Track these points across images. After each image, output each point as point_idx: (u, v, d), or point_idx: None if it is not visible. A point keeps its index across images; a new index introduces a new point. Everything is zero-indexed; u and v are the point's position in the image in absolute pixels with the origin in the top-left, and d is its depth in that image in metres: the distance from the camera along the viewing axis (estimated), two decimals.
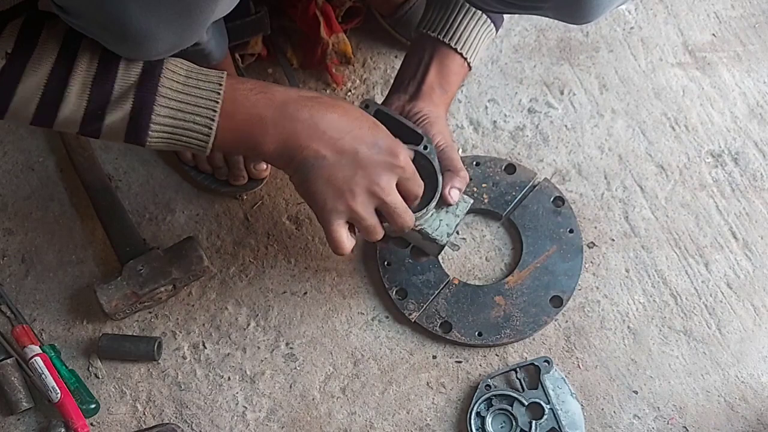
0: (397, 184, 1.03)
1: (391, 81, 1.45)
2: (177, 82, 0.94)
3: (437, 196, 1.10)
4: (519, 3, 1.03)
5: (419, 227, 1.12)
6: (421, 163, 1.09)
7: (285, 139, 0.98)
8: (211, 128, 0.96)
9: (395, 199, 1.03)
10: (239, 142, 0.99)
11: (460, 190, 1.13)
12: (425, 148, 1.09)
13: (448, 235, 1.13)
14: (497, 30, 1.20)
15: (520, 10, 1.08)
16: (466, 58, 1.18)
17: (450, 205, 1.13)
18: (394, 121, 1.10)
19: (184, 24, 0.88)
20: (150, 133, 0.94)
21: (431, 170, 1.10)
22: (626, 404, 1.24)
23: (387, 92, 1.21)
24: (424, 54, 1.18)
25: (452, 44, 1.16)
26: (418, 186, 1.06)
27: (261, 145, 0.98)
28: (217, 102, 0.95)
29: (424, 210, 1.10)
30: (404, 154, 1.03)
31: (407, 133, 1.10)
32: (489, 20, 1.18)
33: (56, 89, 0.91)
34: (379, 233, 1.06)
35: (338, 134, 0.99)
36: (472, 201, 1.16)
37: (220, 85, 0.95)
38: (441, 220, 1.14)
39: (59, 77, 0.90)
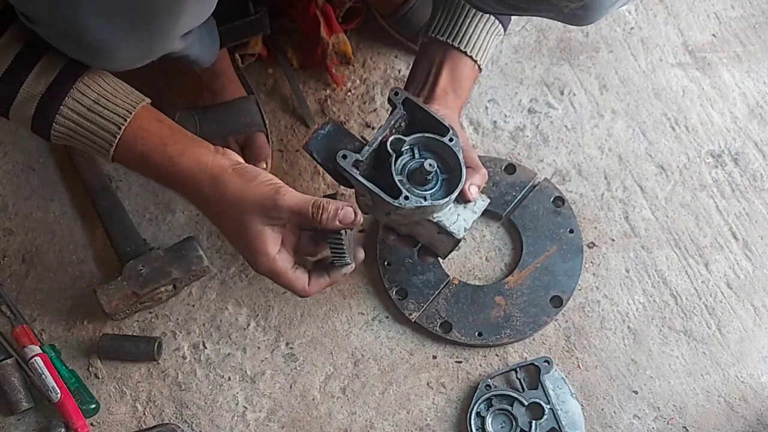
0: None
1: (392, 81, 1.46)
2: (82, 105, 0.95)
3: (459, 187, 1.09)
4: (521, 5, 1.03)
5: (437, 219, 1.11)
6: (444, 155, 1.09)
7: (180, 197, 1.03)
8: (107, 153, 0.97)
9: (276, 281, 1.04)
10: (145, 166, 1.00)
11: (479, 187, 1.13)
12: (451, 140, 1.09)
13: (465, 230, 1.12)
14: (505, 30, 1.20)
15: (522, 12, 1.08)
16: (476, 61, 1.18)
17: (468, 201, 1.13)
18: (421, 111, 1.11)
19: (143, 36, 0.88)
20: (52, 138, 0.97)
21: (455, 162, 1.09)
22: (626, 404, 1.24)
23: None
24: (435, 59, 1.18)
25: (462, 48, 1.16)
26: (285, 285, 1.04)
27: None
28: (111, 145, 0.96)
29: (446, 199, 1.08)
30: (260, 268, 1.01)
31: (433, 123, 1.10)
32: (497, 21, 1.18)
33: None
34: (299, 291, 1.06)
35: (215, 222, 1.03)
36: (489, 200, 1.16)
37: (119, 128, 0.96)
38: (459, 215, 1.13)
39: None
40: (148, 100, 0.99)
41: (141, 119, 0.97)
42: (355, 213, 1.01)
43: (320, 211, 0.98)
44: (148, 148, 0.97)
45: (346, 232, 1.03)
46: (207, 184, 0.98)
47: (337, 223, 1.00)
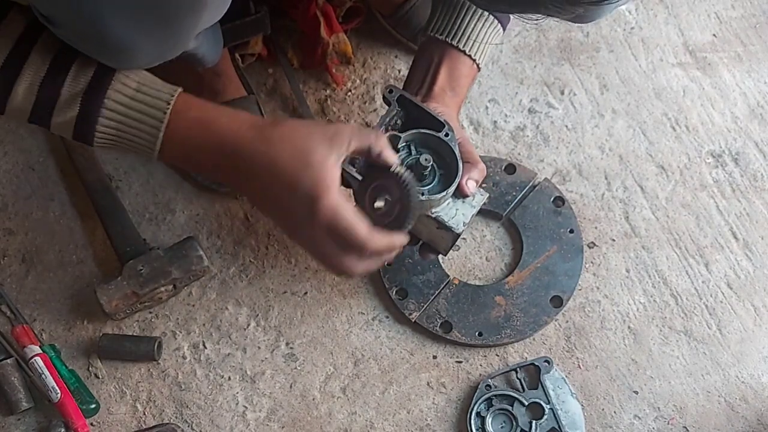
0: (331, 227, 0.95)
1: (392, 81, 1.46)
2: (125, 94, 0.94)
3: (456, 182, 1.09)
4: (521, 3, 1.03)
5: (435, 214, 1.11)
6: (441, 151, 1.09)
7: (224, 175, 0.98)
8: (153, 145, 0.95)
9: (327, 251, 0.97)
10: (184, 164, 1.00)
11: (477, 181, 1.13)
12: (446, 135, 1.09)
13: (464, 224, 1.12)
14: (504, 29, 1.20)
15: (524, 10, 1.08)
16: (474, 60, 1.18)
17: (467, 196, 1.12)
18: (416, 108, 1.10)
19: (165, 35, 0.88)
20: (96, 138, 0.95)
21: (452, 157, 1.09)
22: (626, 404, 1.24)
23: None
24: (433, 57, 1.18)
25: (460, 46, 1.16)
26: (347, 232, 0.94)
27: (204, 173, 1.01)
28: (160, 128, 0.94)
29: (443, 194, 1.08)
30: (324, 202, 0.92)
31: (429, 120, 1.10)
32: (495, 20, 1.17)
33: (6, 81, 0.91)
34: (348, 264, 0.99)
35: (269, 177, 0.94)
36: (488, 195, 1.15)
37: (165, 112, 0.94)
38: (457, 209, 1.13)
39: (9, 71, 0.91)
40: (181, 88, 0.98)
41: (184, 97, 0.95)
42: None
43: (379, 141, 0.96)
44: (201, 113, 0.94)
45: (404, 181, 0.99)
46: (269, 125, 0.94)
47: (394, 158, 0.97)
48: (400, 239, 1.01)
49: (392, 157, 0.99)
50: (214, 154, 0.95)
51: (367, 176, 1.03)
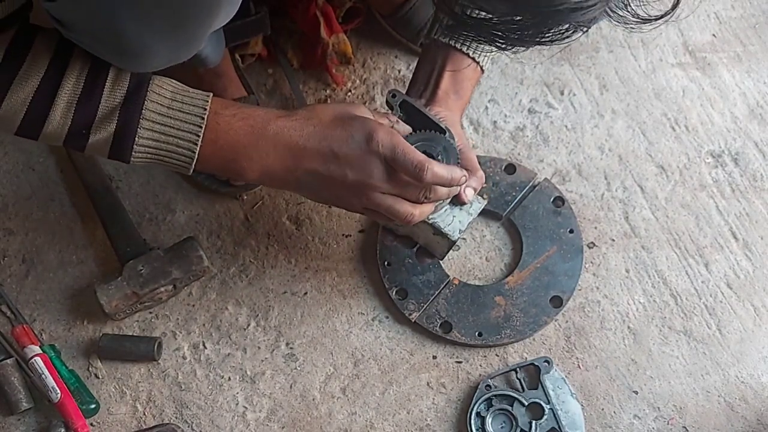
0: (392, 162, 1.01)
1: (391, 81, 1.46)
2: (162, 105, 0.94)
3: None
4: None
5: (432, 220, 1.12)
6: (440, 157, 1.10)
7: (270, 165, 1.00)
8: (193, 152, 0.96)
9: (391, 187, 1.02)
10: (223, 168, 1.00)
11: (475, 189, 1.14)
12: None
13: (460, 231, 1.14)
14: None
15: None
16: (478, 63, 1.18)
17: (464, 203, 1.13)
18: (418, 113, 1.11)
19: (180, 38, 0.88)
20: (133, 153, 0.95)
21: (451, 164, 1.10)
22: (626, 404, 1.24)
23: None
24: (437, 60, 1.18)
25: (464, 49, 1.16)
26: (405, 155, 1.00)
27: (245, 171, 1.00)
28: (200, 127, 0.95)
29: (439, 202, 1.10)
30: (381, 132, 1.00)
31: (431, 125, 1.10)
32: None
33: (42, 106, 0.91)
34: (405, 213, 1.04)
35: (318, 144, 0.99)
36: (486, 202, 1.17)
37: (204, 110, 0.96)
38: (454, 216, 1.14)
39: (45, 94, 0.90)
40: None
41: (217, 99, 0.98)
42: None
43: (393, 119, 1.04)
44: (237, 110, 0.98)
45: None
46: (299, 111, 1.01)
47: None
48: (457, 171, 1.05)
49: (407, 128, 1.06)
50: (259, 142, 0.98)
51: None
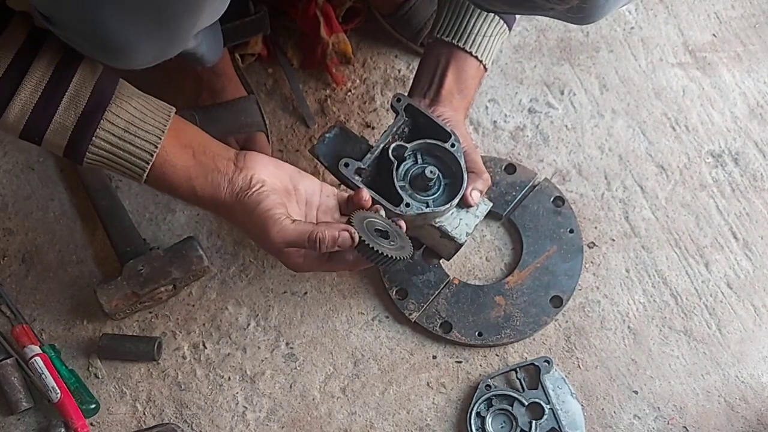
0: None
1: (391, 81, 1.46)
2: (113, 134, 0.96)
3: (461, 193, 1.11)
4: (524, 4, 1.03)
5: (439, 224, 1.12)
6: (447, 161, 1.10)
7: (209, 209, 1.05)
8: (140, 178, 1.00)
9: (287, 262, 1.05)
10: (174, 194, 1.04)
11: (481, 192, 1.14)
12: (452, 146, 1.10)
13: (467, 234, 1.14)
14: (510, 29, 1.20)
15: (524, 10, 1.08)
16: (482, 61, 1.18)
17: (471, 206, 1.14)
18: (423, 117, 1.12)
19: (165, 35, 0.88)
20: (85, 161, 0.98)
21: (457, 168, 1.10)
22: (626, 404, 1.24)
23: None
24: (441, 60, 1.18)
25: (467, 48, 1.16)
26: (297, 242, 1.02)
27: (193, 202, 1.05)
28: (143, 173, 0.99)
29: (447, 206, 1.10)
30: (273, 232, 1.00)
31: (436, 129, 1.11)
32: (501, 21, 1.17)
33: (1, 99, 0.92)
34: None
35: (234, 218, 1.04)
36: (491, 204, 1.17)
37: (148, 163, 0.98)
38: (461, 219, 1.14)
39: (4, 90, 0.91)
40: (173, 110, 1.01)
41: (167, 152, 0.99)
42: (352, 237, 1.00)
43: (318, 244, 0.99)
44: (174, 182, 1.01)
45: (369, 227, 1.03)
46: (244, 192, 1.02)
47: (337, 247, 1.00)
48: (341, 233, 1.03)
49: (333, 248, 1.02)
50: (192, 194, 1.02)
51: (373, 185, 1.07)
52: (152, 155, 0.98)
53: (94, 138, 0.95)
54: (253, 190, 1.01)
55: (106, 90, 0.96)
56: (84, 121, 0.95)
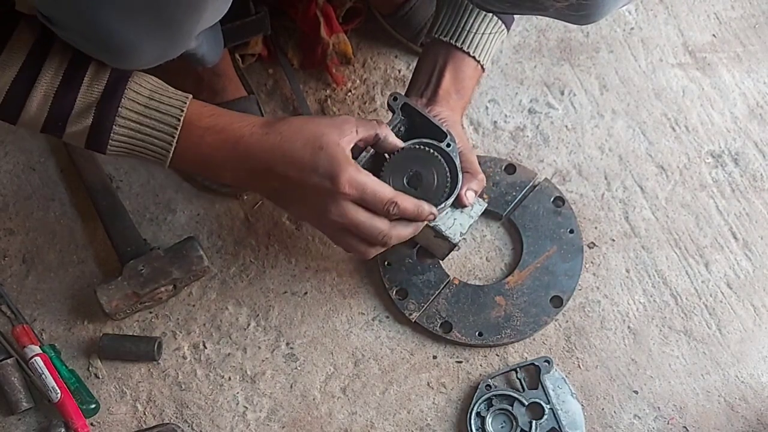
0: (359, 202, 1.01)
1: (392, 81, 1.46)
2: (138, 103, 0.96)
3: (455, 194, 1.11)
4: (523, 4, 1.03)
5: (432, 223, 1.12)
6: (441, 161, 1.10)
7: (240, 178, 1.02)
8: (168, 151, 0.98)
9: (354, 220, 1.01)
10: (198, 171, 1.04)
11: (476, 192, 1.14)
12: (448, 146, 1.10)
13: (461, 234, 1.14)
14: (508, 30, 1.20)
15: (524, 10, 1.08)
16: (479, 61, 1.18)
17: (465, 206, 1.14)
18: (420, 117, 1.12)
19: (166, 36, 0.89)
20: (109, 147, 0.97)
21: (452, 168, 1.10)
22: (626, 404, 1.24)
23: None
24: (438, 59, 1.18)
25: (465, 48, 1.17)
26: (374, 196, 1.01)
27: (219, 178, 1.04)
28: (173, 136, 0.97)
29: (441, 206, 1.10)
30: (345, 176, 0.98)
31: (432, 129, 1.11)
32: (500, 21, 1.18)
33: (19, 96, 0.92)
34: (366, 249, 1.06)
35: (285, 169, 0.99)
36: (486, 204, 1.17)
37: (178, 119, 0.97)
38: (455, 219, 1.14)
39: (23, 84, 0.92)
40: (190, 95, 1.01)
41: (195, 104, 0.99)
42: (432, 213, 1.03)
43: (383, 128, 1.01)
44: (212, 121, 0.98)
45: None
46: (277, 121, 1.00)
47: (399, 142, 1.01)
48: (427, 206, 1.06)
49: (398, 141, 1.05)
50: (229, 157, 0.99)
51: (372, 170, 1.06)
52: (182, 111, 0.96)
53: (120, 108, 0.94)
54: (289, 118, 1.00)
55: (121, 72, 0.96)
56: (107, 95, 0.94)
